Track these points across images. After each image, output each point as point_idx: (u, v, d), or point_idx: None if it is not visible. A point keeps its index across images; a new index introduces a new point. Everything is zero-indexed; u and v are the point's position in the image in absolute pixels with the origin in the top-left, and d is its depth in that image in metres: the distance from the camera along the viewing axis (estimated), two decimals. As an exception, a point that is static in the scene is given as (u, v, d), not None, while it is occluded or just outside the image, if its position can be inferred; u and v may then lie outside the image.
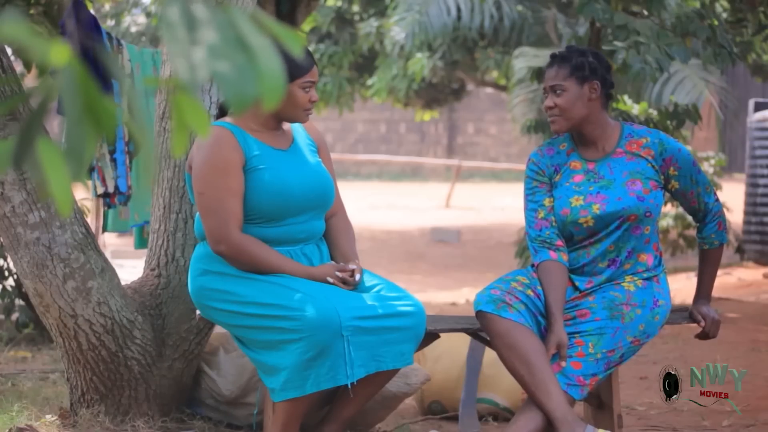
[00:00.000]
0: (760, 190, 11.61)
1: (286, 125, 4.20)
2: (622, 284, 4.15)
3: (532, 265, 4.21)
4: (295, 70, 4.00)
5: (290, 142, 4.18)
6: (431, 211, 20.18)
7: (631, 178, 4.17)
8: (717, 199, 4.32)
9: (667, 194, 4.32)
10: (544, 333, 4.09)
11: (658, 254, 4.25)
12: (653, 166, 4.19)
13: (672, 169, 4.20)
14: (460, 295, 10.43)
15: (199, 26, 1.47)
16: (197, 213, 4.11)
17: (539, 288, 4.12)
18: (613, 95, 4.28)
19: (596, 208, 4.15)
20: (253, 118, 4.10)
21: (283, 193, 4.05)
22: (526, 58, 13.15)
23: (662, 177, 4.20)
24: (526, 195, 4.26)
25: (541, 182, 4.24)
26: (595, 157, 4.22)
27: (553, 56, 4.21)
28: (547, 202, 4.22)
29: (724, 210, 4.43)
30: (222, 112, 4.22)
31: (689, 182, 4.23)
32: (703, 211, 4.28)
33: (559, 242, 4.17)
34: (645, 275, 4.18)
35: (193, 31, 1.46)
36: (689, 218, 10.67)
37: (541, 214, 4.20)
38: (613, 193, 4.15)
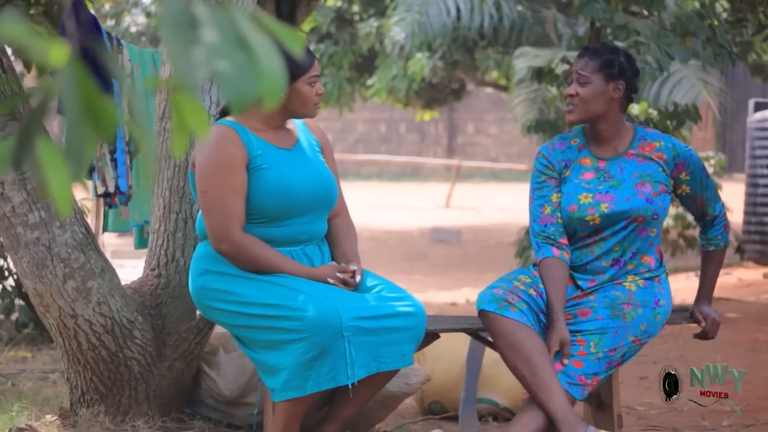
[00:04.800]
0: (760, 190, 11.60)
1: (290, 125, 4.19)
2: (624, 284, 4.15)
3: (534, 264, 4.21)
4: (298, 68, 4.00)
5: (294, 142, 4.17)
6: (431, 211, 20.16)
7: (641, 180, 4.17)
8: (722, 203, 4.37)
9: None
10: (545, 331, 4.09)
11: (660, 256, 4.27)
12: (664, 171, 4.20)
13: (684, 173, 4.22)
14: (460, 295, 10.42)
15: (199, 26, 1.47)
16: (199, 212, 4.11)
17: (541, 287, 4.12)
18: (634, 99, 4.29)
19: (604, 207, 4.15)
20: (257, 116, 4.09)
21: (286, 193, 4.05)
22: (526, 58, 13.14)
23: (672, 182, 4.22)
24: (533, 189, 4.25)
25: (551, 177, 4.24)
26: (607, 156, 4.22)
27: (585, 48, 4.23)
28: (554, 197, 4.21)
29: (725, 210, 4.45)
30: (226, 110, 4.21)
31: (699, 186, 4.25)
32: (711, 215, 4.31)
33: (563, 240, 4.17)
34: (647, 275, 4.18)
35: (193, 31, 1.46)
36: (689, 218, 10.66)
37: (548, 210, 4.20)
38: (622, 193, 4.16)
